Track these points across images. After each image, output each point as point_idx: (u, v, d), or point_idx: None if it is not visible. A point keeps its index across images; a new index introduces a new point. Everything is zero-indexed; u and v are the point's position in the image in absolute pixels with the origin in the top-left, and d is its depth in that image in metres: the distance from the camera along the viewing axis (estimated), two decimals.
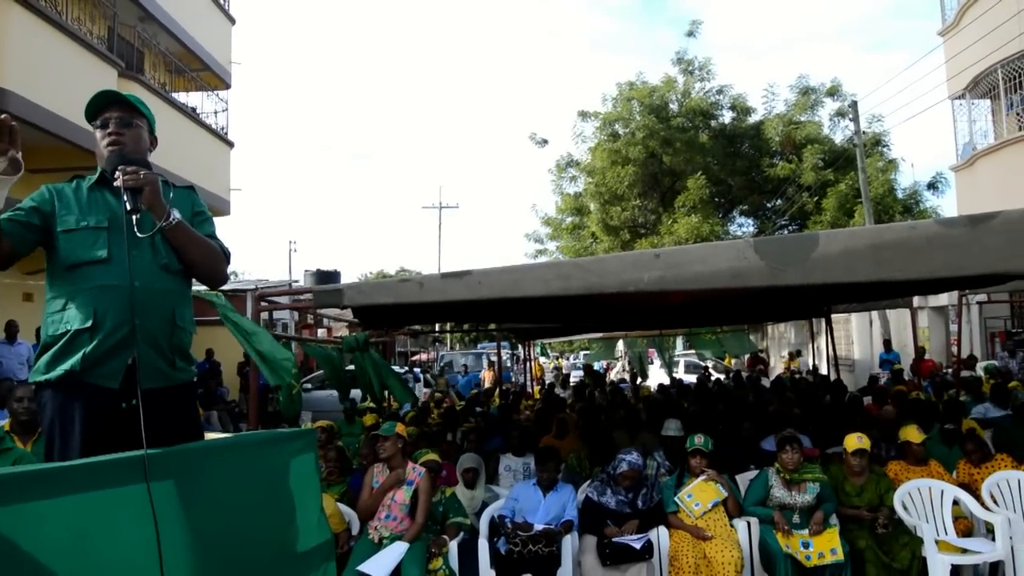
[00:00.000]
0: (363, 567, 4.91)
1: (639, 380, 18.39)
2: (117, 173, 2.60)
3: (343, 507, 5.63)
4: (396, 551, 5.07)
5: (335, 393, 11.84)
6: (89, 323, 2.59)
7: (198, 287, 3.02)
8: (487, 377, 21.40)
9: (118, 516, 2.34)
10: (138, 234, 2.59)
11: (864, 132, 21.22)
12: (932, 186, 23.70)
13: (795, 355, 21.64)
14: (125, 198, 2.58)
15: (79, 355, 2.59)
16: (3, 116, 2.31)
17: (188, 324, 2.86)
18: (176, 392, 2.79)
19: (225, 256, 2.97)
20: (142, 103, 2.89)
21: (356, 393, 9.73)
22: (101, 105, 2.80)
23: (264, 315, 7.32)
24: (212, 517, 2.56)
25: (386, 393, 10.20)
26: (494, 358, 26.77)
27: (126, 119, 2.80)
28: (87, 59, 12.62)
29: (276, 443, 2.95)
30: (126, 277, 2.62)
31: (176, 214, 2.70)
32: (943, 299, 16.48)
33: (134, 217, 2.58)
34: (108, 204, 2.74)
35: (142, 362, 2.63)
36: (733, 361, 23.83)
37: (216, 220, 3.17)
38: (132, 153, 2.74)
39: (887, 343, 17.24)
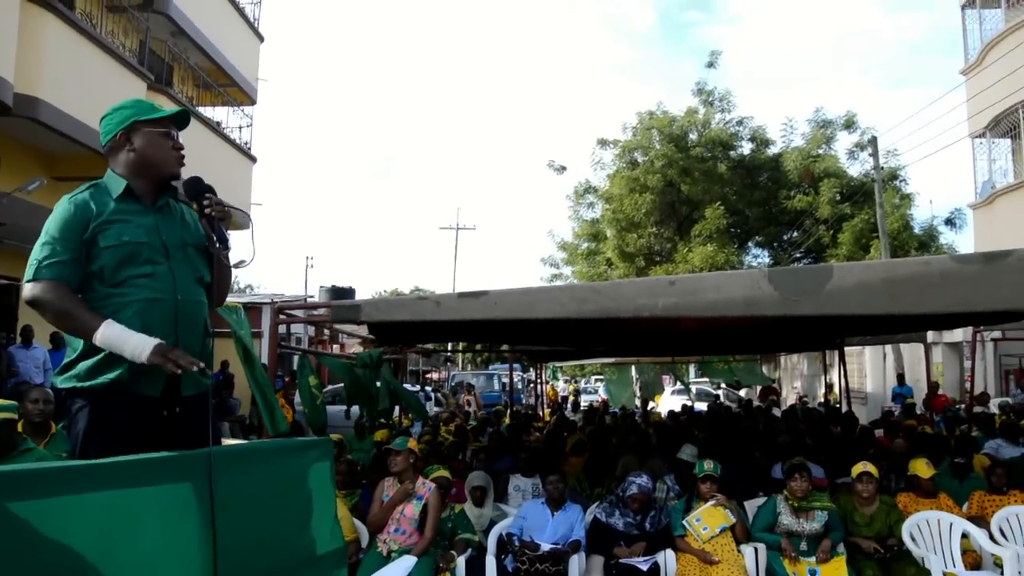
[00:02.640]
0: None
1: (649, 405, 18.35)
2: (206, 201, 2.81)
3: (355, 520, 5.69)
4: (404, 565, 5.11)
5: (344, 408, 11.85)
6: None
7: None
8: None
9: (143, 515, 2.41)
10: (224, 261, 2.89)
11: (881, 168, 21.25)
12: (950, 222, 23.68)
13: (831, 387, 21.09)
14: (213, 228, 2.82)
15: (126, 365, 2.64)
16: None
17: (210, 332, 2.97)
18: (205, 397, 2.88)
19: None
20: None
21: (355, 409, 9.83)
22: (174, 120, 2.91)
23: (281, 328, 7.40)
24: (230, 520, 2.64)
25: (396, 411, 10.27)
26: (476, 381, 26.62)
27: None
28: (118, 71, 12.84)
29: (293, 451, 3.03)
30: (170, 291, 2.74)
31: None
32: (957, 335, 16.42)
33: (219, 246, 2.85)
34: (140, 216, 2.79)
35: (185, 371, 2.72)
36: (744, 391, 23.70)
37: (237, 234, 3.38)
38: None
39: (900, 377, 17.16)
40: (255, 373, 6.11)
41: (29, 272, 2.65)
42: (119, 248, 2.70)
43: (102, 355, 2.65)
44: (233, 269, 3.04)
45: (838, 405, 14.06)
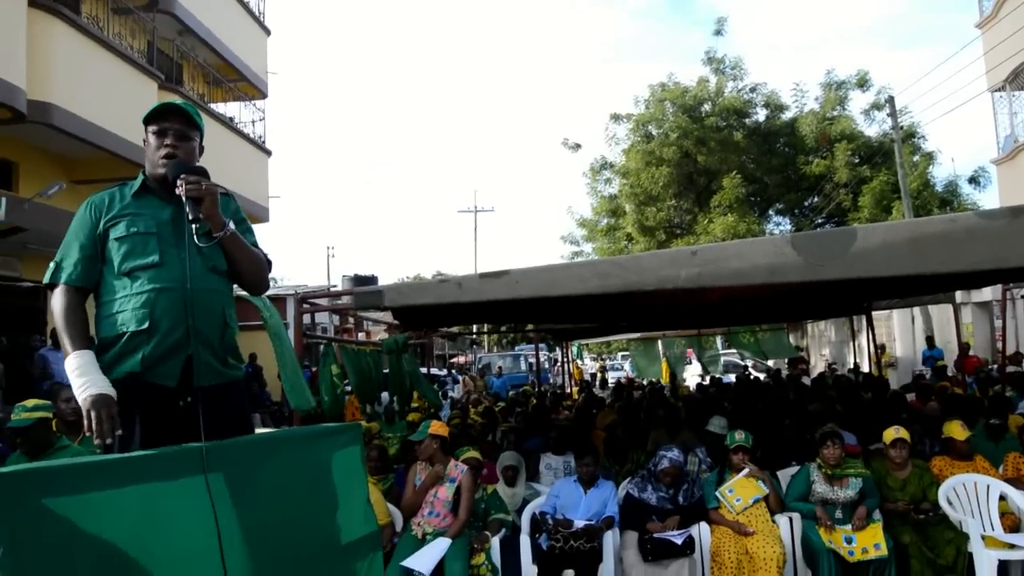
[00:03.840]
0: (407, 562, 4.98)
1: (676, 379, 18.27)
2: (179, 181, 2.67)
3: (389, 505, 5.72)
4: (439, 547, 5.13)
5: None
6: (146, 325, 2.67)
7: (241, 291, 3.10)
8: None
9: (175, 507, 2.43)
10: (197, 243, 2.67)
11: (900, 127, 20.94)
12: (973, 180, 23.30)
13: (883, 349, 20.35)
14: (187, 207, 2.66)
15: (139, 356, 2.67)
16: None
17: (234, 323, 2.95)
18: (228, 389, 2.87)
19: (268, 264, 3.06)
20: (199, 115, 2.97)
21: (385, 395, 9.88)
22: (162, 113, 2.87)
23: (306, 318, 7.43)
24: (262, 508, 2.65)
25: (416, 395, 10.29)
26: (503, 362, 26.50)
27: (184, 132, 2.87)
28: (128, 72, 12.90)
29: (323, 437, 3.03)
30: (179, 280, 2.71)
31: (231, 225, 2.80)
32: (986, 294, 16.22)
33: (194, 226, 2.67)
34: (154, 209, 2.82)
35: (197, 361, 2.72)
36: (772, 361, 23.48)
37: (255, 227, 3.27)
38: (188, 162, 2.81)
39: (930, 340, 16.96)
40: (284, 354, 6.14)
41: (46, 276, 2.77)
42: (126, 239, 2.74)
43: (116, 348, 2.70)
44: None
45: (891, 366, 13.83)
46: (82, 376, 2.57)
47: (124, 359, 2.69)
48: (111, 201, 2.82)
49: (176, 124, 2.86)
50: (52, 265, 2.76)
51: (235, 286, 3.01)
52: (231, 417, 2.84)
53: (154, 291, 2.70)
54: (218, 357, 2.83)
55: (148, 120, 2.88)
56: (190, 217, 2.66)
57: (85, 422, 2.50)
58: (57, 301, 2.74)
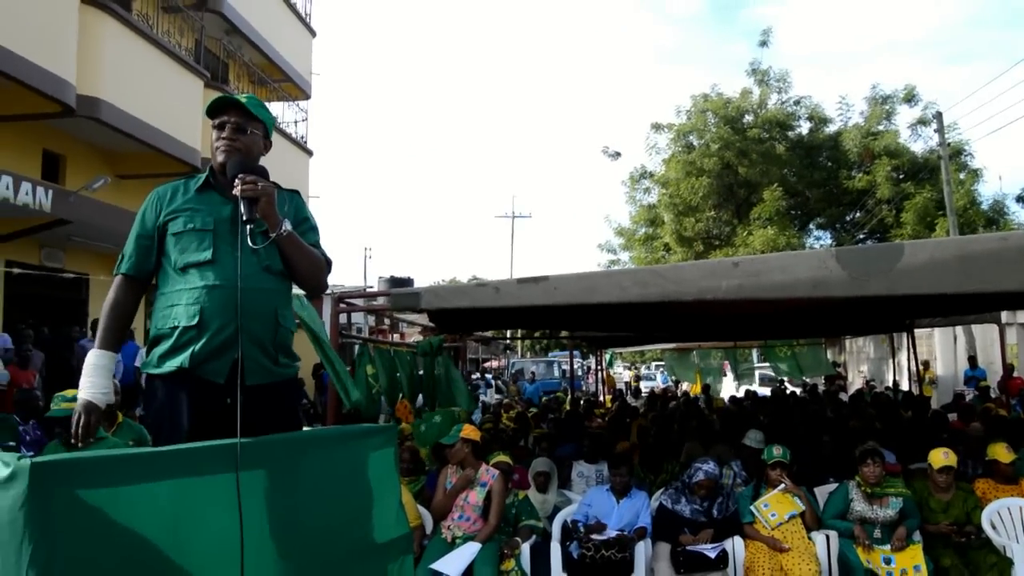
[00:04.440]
0: (436, 565, 4.96)
1: (710, 391, 18.07)
2: (236, 181, 2.67)
3: (419, 507, 5.71)
4: (469, 551, 5.11)
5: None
6: (196, 321, 2.69)
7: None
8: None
9: (205, 504, 2.43)
10: (250, 244, 2.66)
11: (948, 144, 20.56)
12: (1021, 199, 22.81)
13: (927, 365, 19.84)
14: (242, 208, 2.66)
15: (188, 352, 2.69)
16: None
17: (289, 323, 2.94)
18: (279, 388, 2.87)
19: (328, 265, 3.04)
20: (261, 107, 2.96)
21: (420, 398, 9.86)
22: (220, 108, 2.88)
23: (343, 318, 7.44)
24: (297, 506, 2.65)
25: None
26: (536, 368, 26.45)
27: (242, 125, 2.86)
28: (175, 70, 13.11)
29: (358, 437, 3.02)
30: (232, 278, 2.69)
31: (287, 225, 2.76)
32: None
33: (248, 227, 2.66)
34: (214, 206, 2.83)
35: (247, 359, 2.70)
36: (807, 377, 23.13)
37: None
38: (246, 159, 2.81)
39: (972, 360, 16.61)
40: (326, 351, 6.14)
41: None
42: (183, 235, 2.78)
43: (169, 342, 2.72)
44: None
45: (932, 383, 13.53)
46: (90, 377, 2.70)
47: (175, 353, 2.71)
48: (174, 194, 2.86)
49: (233, 117, 2.87)
50: (119, 256, 2.88)
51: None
52: (279, 416, 2.85)
53: (206, 288, 2.72)
54: (269, 356, 2.83)
55: (209, 114, 2.91)
56: (244, 217, 2.66)
57: (73, 418, 2.66)
58: (110, 292, 2.84)
